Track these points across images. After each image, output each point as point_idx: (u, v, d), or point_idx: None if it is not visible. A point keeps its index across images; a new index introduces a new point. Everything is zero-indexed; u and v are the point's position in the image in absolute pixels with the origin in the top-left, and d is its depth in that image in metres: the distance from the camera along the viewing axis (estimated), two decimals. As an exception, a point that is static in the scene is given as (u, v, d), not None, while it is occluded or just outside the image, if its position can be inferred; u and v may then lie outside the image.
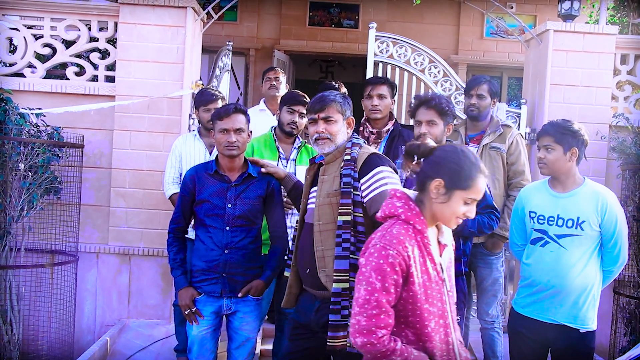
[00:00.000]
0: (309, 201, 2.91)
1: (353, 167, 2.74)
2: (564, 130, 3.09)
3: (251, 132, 3.33)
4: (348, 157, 2.77)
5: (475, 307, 4.27)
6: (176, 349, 4.35)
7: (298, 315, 2.95)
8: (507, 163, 4.03)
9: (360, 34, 8.54)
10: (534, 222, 3.18)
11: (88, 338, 4.95)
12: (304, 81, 9.36)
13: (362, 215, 2.69)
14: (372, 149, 2.95)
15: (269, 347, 4.28)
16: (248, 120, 3.27)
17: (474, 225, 3.31)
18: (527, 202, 3.25)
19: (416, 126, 3.35)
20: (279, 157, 3.88)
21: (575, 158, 3.10)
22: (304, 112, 3.78)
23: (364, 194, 2.71)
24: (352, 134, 2.92)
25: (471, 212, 2.18)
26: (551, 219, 3.12)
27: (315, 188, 2.88)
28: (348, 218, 2.67)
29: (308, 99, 3.87)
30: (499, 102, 5.32)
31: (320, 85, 4.53)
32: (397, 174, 2.83)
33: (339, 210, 2.69)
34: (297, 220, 3.05)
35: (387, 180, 2.70)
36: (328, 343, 2.60)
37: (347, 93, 4.81)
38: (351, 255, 2.64)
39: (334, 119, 2.83)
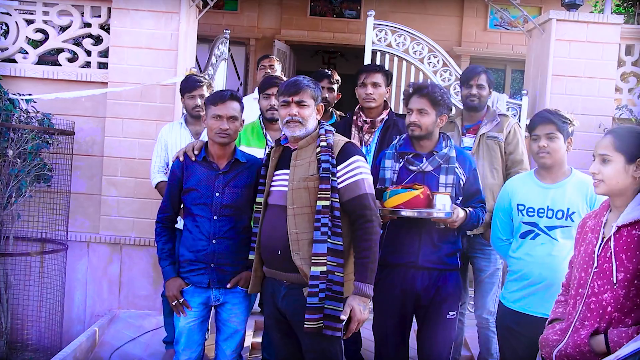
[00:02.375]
0: (274, 183, 2.92)
1: (331, 154, 2.78)
2: (564, 118, 3.04)
3: (243, 120, 3.24)
4: (324, 144, 2.80)
5: (472, 302, 4.19)
6: (165, 340, 4.30)
7: (264, 306, 3.05)
8: (505, 152, 3.94)
9: (362, 25, 8.29)
10: (522, 215, 3.11)
11: (78, 328, 4.88)
12: (306, 73, 9.18)
13: (338, 200, 2.75)
14: (344, 137, 2.98)
15: (260, 339, 4.20)
16: (242, 109, 3.19)
17: (475, 218, 3.22)
18: (514, 194, 3.17)
19: (408, 115, 3.27)
20: (267, 144, 3.78)
21: (571, 148, 3.07)
22: None
23: (339, 181, 2.77)
24: (321, 120, 2.96)
25: None
26: (541, 210, 3.05)
27: (282, 171, 2.90)
28: (327, 203, 2.72)
29: (282, 81, 3.82)
30: (501, 94, 5.23)
31: (314, 72, 4.44)
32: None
33: (319, 195, 2.73)
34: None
35: (362, 169, 2.80)
36: (306, 325, 2.64)
37: (340, 81, 4.73)
38: (329, 239, 2.69)
39: (307, 103, 2.86)
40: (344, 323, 2.68)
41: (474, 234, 3.86)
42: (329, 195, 2.72)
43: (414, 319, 3.31)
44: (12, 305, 4.57)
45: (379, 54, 5.10)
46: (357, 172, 2.78)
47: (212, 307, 3.23)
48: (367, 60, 4.98)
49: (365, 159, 2.90)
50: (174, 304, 3.12)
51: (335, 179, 2.76)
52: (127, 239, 4.88)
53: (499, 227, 3.30)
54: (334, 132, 2.93)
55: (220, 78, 5.52)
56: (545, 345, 2.34)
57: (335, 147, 2.82)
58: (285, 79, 4.00)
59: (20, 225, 4.57)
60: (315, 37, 8.65)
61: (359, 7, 8.68)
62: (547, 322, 2.47)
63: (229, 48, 5.80)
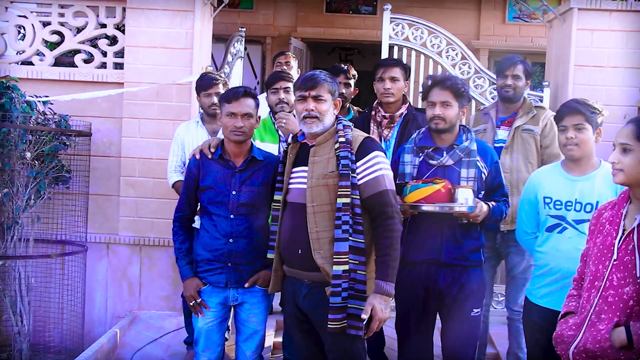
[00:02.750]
0: (293, 181, 2.86)
1: (350, 150, 2.72)
2: (592, 108, 2.95)
3: (259, 117, 3.19)
4: (343, 139, 2.74)
5: (501, 298, 4.10)
6: (186, 341, 4.27)
7: (284, 305, 2.99)
8: (540, 146, 3.84)
9: (379, 21, 8.20)
10: (549, 208, 3.01)
11: (99, 330, 4.88)
12: (322, 70, 9.15)
13: (358, 197, 2.68)
14: (363, 132, 2.92)
15: (281, 339, 4.15)
16: (257, 105, 3.14)
17: (498, 212, 3.14)
18: (540, 187, 3.08)
19: (429, 108, 3.18)
20: (280, 140, 3.73)
21: (600, 139, 2.97)
22: (288, 86, 3.72)
23: (359, 177, 2.71)
24: (338, 115, 2.89)
25: None
26: (569, 203, 2.96)
27: (300, 168, 2.84)
28: (347, 200, 2.65)
29: (287, 74, 3.82)
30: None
31: (331, 67, 4.38)
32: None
33: (339, 192, 2.67)
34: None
35: (381, 165, 2.74)
36: (329, 325, 2.59)
37: (356, 76, 4.66)
38: (350, 237, 2.63)
39: (324, 98, 2.80)
40: (365, 322, 2.62)
41: (508, 230, 3.77)
42: (349, 192, 2.66)
43: (438, 317, 3.24)
44: (34, 307, 4.57)
45: (396, 48, 5.03)
46: (377, 167, 2.72)
47: (232, 308, 3.18)
48: (385, 55, 4.91)
49: (385, 154, 2.84)
50: (191, 304, 3.08)
51: (355, 175, 2.70)
52: (147, 239, 4.87)
53: (524, 221, 3.21)
54: (352, 127, 2.87)
55: (236, 76, 5.49)
56: (561, 342, 2.26)
57: (354, 142, 2.76)
58: (291, 73, 3.96)
59: (39, 227, 4.57)
60: (332, 34, 8.58)
61: (375, 3, 8.60)
62: (559, 316, 2.39)
63: (245, 47, 5.77)
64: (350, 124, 2.88)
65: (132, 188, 4.87)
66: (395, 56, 4.91)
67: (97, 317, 4.94)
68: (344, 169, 2.68)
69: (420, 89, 3.41)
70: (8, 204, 4.30)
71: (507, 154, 3.85)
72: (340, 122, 2.84)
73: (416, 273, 3.13)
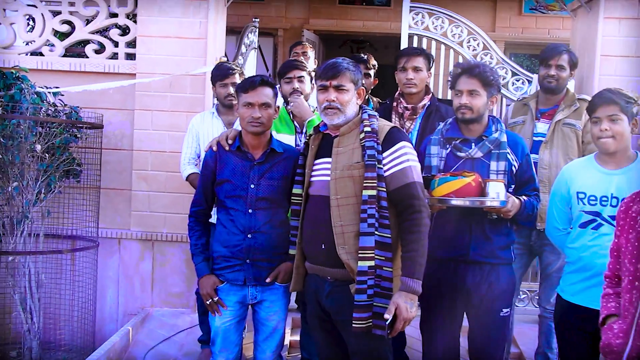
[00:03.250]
0: (315, 173, 2.75)
1: (376, 140, 2.61)
2: (627, 98, 2.80)
3: (278, 107, 3.06)
4: (369, 129, 2.63)
5: (525, 293, 3.97)
6: (200, 339, 4.16)
7: (306, 304, 2.90)
8: (582, 141, 3.68)
9: (393, 13, 8.20)
10: (583, 204, 2.88)
11: (110, 327, 4.79)
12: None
13: (385, 189, 2.57)
14: (389, 122, 2.81)
15: (298, 337, 4.04)
16: (275, 94, 3.00)
17: (530, 207, 2.99)
18: (573, 181, 2.94)
19: (456, 97, 3.05)
20: (296, 131, 3.60)
21: (636, 130, 2.83)
22: (302, 74, 3.59)
23: (385, 168, 2.60)
24: (362, 105, 2.78)
25: None
26: (604, 199, 2.82)
27: (322, 160, 2.72)
28: (373, 192, 2.54)
29: (300, 62, 3.68)
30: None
31: (350, 57, 4.24)
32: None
33: (365, 184, 2.55)
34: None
35: (409, 156, 2.62)
36: (354, 325, 2.49)
37: (376, 66, 4.52)
38: (376, 232, 2.52)
39: (346, 87, 2.69)
40: (389, 322, 2.49)
41: (544, 228, 3.62)
42: (375, 184, 2.54)
43: (465, 317, 3.10)
44: (44, 304, 4.46)
45: (415, 38, 4.88)
46: (405, 159, 2.60)
47: (250, 306, 3.05)
48: (404, 45, 4.77)
49: (412, 145, 2.71)
50: (208, 302, 2.95)
51: (381, 166, 2.58)
52: (159, 234, 4.77)
53: (555, 216, 3.08)
54: (378, 116, 2.75)
55: (250, 68, 5.37)
56: (610, 352, 2.10)
57: (381, 132, 2.64)
58: (307, 63, 3.82)
59: (50, 222, 4.46)
60: (345, 26, 8.45)
61: (389, -6, 8.45)
62: (599, 321, 2.25)
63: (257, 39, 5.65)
64: (376, 113, 2.77)
65: (144, 182, 4.76)
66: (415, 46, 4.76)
67: (109, 314, 4.84)
68: (370, 160, 2.56)
69: (442, 82, 3.27)
70: (18, 198, 4.18)
71: (546, 148, 3.71)
72: (365, 112, 2.73)
73: (443, 271, 3.00)
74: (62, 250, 4.45)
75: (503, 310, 3.00)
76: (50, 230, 4.51)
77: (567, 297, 2.94)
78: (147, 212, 4.77)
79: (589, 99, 3.85)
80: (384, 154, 2.61)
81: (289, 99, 3.54)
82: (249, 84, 2.94)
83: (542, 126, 3.77)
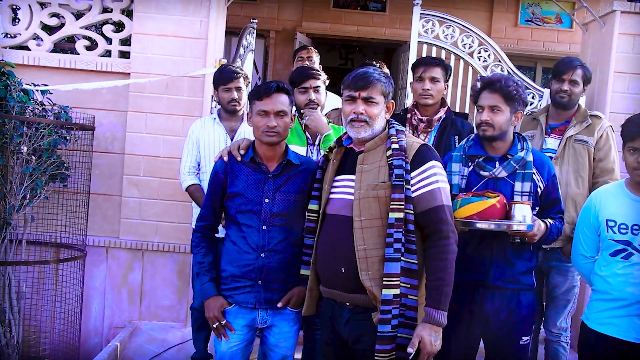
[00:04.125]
0: (335, 190, 2.58)
1: (404, 158, 2.45)
2: None
3: (295, 115, 2.85)
4: (396, 146, 2.47)
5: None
6: (193, 357, 3.94)
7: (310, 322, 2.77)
8: (594, 159, 3.55)
9: (387, 18, 8.05)
10: (613, 232, 2.74)
11: (95, 340, 4.56)
12: (325, 68, 8.84)
13: (412, 212, 2.41)
14: (418, 139, 2.66)
15: (299, 356, 3.83)
16: (292, 102, 2.79)
17: (555, 231, 2.85)
18: (603, 208, 2.80)
19: (477, 113, 2.92)
20: (307, 143, 3.41)
21: None
22: (318, 84, 3.45)
23: (413, 189, 2.43)
24: (390, 119, 2.63)
25: None
26: (636, 227, 2.69)
27: (344, 176, 2.56)
28: (401, 215, 2.38)
29: (317, 71, 3.52)
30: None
31: (361, 65, 4.09)
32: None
33: (391, 206, 2.39)
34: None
35: (438, 177, 2.47)
36: (376, 357, 2.33)
37: (389, 74, 4.33)
38: (402, 258, 2.37)
39: (376, 100, 2.53)
40: (411, 357, 2.30)
41: (551, 247, 3.48)
42: (402, 206, 2.38)
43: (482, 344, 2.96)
44: (25, 316, 4.21)
45: (425, 46, 4.73)
46: (434, 179, 2.44)
47: (257, 329, 2.84)
48: (413, 54, 4.62)
49: (443, 165, 2.56)
50: (214, 326, 2.72)
51: (409, 187, 2.41)
52: (150, 244, 4.55)
53: (582, 244, 2.93)
54: (406, 132, 2.57)
55: (247, 70, 5.14)
56: None
57: (409, 150, 2.48)
58: (321, 71, 3.64)
59: (34, 229, 4.22)
60: (338, 30, 8.26)
61: (384, 0, 8.29)
62: None
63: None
64: (404, 128, 2.60)
65: (135, 188, 4.54)
66: (424, 55, 4.61)
67: (94, 327, 4.61)
68: (398, 180, 2.40)
69: (451, 93, 3.12)
70: (0, 203, 3.91)
71: (556, 165, 3.57)
72: (393, 127, 2.56)
73: (460, 295, 2.82)
74: (47, 260, 4.19)
75: (523, 338, 2.89)
76: (34, 238, 4.27)
77: (594, 325, 2.80)
78: (138, 220, 4.56)
79: (602, 115, 3.75)
80: (412, 174, 2.45)
81: (303, 111, 3.34)
82: (264, 91, 2.73)
83: (552, 142, 3.66)
